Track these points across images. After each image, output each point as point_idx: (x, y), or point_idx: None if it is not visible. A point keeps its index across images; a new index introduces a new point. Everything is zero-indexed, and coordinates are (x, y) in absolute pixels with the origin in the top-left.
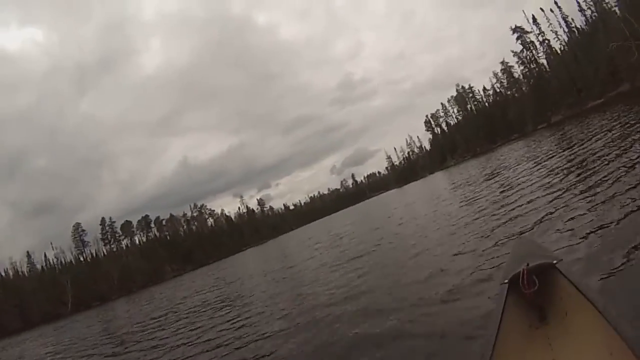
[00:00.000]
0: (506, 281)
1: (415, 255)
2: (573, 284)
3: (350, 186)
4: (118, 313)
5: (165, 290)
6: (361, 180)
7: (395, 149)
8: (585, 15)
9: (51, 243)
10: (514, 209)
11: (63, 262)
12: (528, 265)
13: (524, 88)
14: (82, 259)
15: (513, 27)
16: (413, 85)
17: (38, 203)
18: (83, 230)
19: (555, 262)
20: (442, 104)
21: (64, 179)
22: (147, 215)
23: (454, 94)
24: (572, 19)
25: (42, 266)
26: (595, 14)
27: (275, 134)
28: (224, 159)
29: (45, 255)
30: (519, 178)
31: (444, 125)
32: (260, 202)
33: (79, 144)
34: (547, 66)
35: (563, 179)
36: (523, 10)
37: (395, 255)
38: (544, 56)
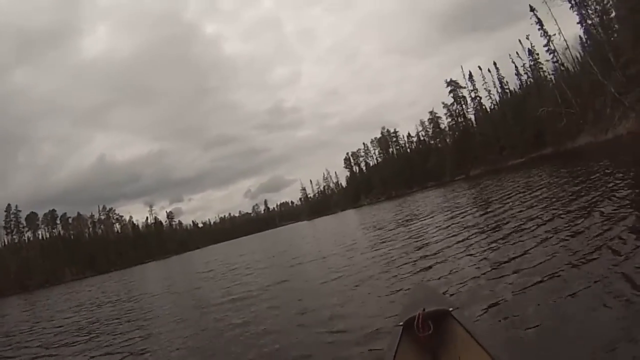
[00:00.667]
0: (401, 323)
1: (312, 292)
2: (467, 330)
3: (262, 212)
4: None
5: (61, 294)
6: (273, 208)
7: (311, 181)
8: (520, 80)
9: None
10: (419, 255)
11: None
12: (424, 310)
13: (447, 139)
14: None
15: (448, 80)
16: (340, 122)
17: None
18: None
19: (450, 309)
20: (364, 143)
21: None
22: (54, 210)
23: (379, 135)
24: (507, 82)
25: None
26: (531, 79)
27: (196, 148)
28: (142, 164)
29: None
30: (427, 225)
31: (363, 164)
32: (170, 215)
33: (2, 116)
34: (474, 121)
35: (470, 229)
36: (461, 66)
37: (288, 295)
38: (473, 112)
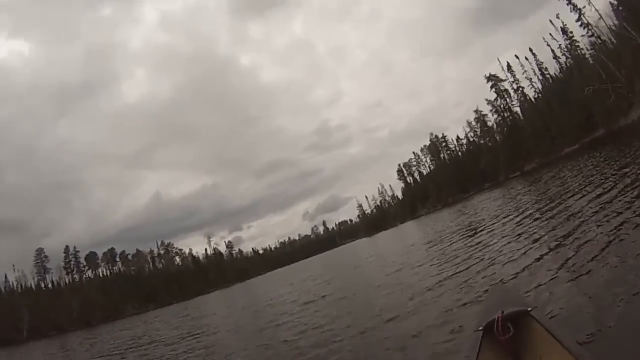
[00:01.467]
0: (481, 328)
1: (391, 307)
2: (547, 330)
3: (321, 232)
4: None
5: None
6: (332, 227)
7: (366, 197)
8: (559, 62)
9: (13, 265)
10: (488, 261)
11: (23, 286)
12: (503, 312)
13: (497, 137)
14: (43, 285)
15: (487, 75)
16: (389, 134)
17: (3, 221)
18: (46, 256)
19: (529, 309)
20: (414, 152)
21: (33, 201)
22: (112, 248)
23: (428, 142)
24: (546, 67)
25: (1, 288)
26: (570, 60)
27: (249, 176)
28: (197, 198)
29: (5, 277)
30: (490, 228)
31: (416, 174)
32: (229, 245)
33: (52, 167)
34: (520, 114)
35: (537, 230)
36: (498, 58)
37: (366, 307)
38: (518, 104)
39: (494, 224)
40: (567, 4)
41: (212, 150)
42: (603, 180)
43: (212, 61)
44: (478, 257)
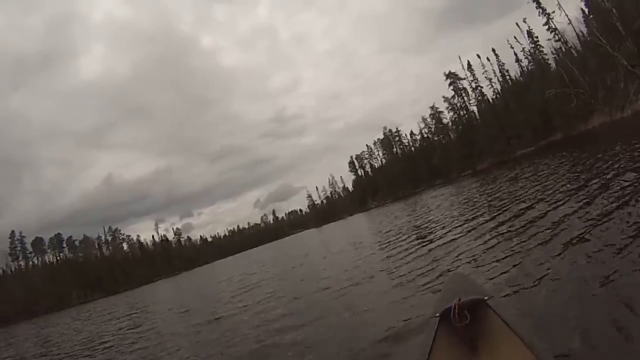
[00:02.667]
0: (438, 314)
1: (342, 294)
2: (502, 319)
3: (271, 222)
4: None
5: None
6: (282, 217)
7: (317, 187)
8: (521, 65)
9: None
10: (438, 251)
11: None
12: (460, 300)
13: (451, 134)
14: None
15: (447, 72)
16: (344, 126)
17: None
18: None
19: (486, 298)
20: (367, 145)
21: None
22: (59, 234)
23: (382, 136)
24: (508, 70)
25: None
26: (532, 63)
27: (202, 161)
28: (150, 181)
29: None
30: (439, 221)
31: (367, 167)
32: (177, 232)
33: (2, 142)
34: (477, 113)
35: (485, 222)
36: (459, 57)
37: (318, 295)
38: (475, 103)
39: (439, 218)
40: (537, 7)
41: (167, 132)
42: (553, 182)
43: (173, 40)
44: (421, 252)
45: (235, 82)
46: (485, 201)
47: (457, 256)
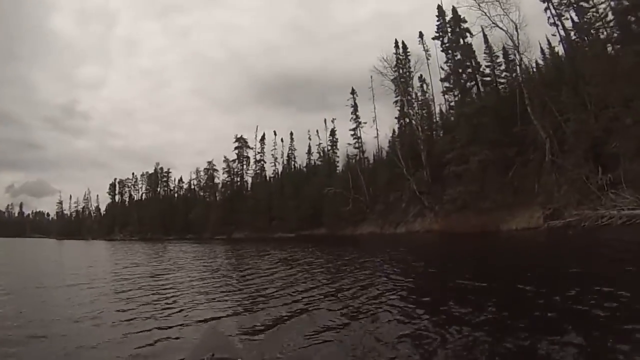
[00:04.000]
0: None
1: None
2: None
3: (15, 215)
4: None
5: None
6: (28, 214)
7: (70, 197)
8: (310, 158)
9: None
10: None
11: None
12: (213, 355)
13: (218, 195)
14: None
15: (238, 136)
16: (124, 147)
17: None
18: None
19: (238, 359)
20: (134, 174)
21: None
22: None
23: (152, 171)
24: (295, 157)
25: None
26: (321, 159)
27: None
28: None
29: None
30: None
31: (127, 196)
32: None
33: None
34: (250, 185)
35: (219, 286)
36: (257, 126)
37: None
38: (253, 174)
39: (176, 270)
40: (352, 112)
41: None
42: (290, 266)
43: None
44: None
45: (50, 51)
46: (230, 269)
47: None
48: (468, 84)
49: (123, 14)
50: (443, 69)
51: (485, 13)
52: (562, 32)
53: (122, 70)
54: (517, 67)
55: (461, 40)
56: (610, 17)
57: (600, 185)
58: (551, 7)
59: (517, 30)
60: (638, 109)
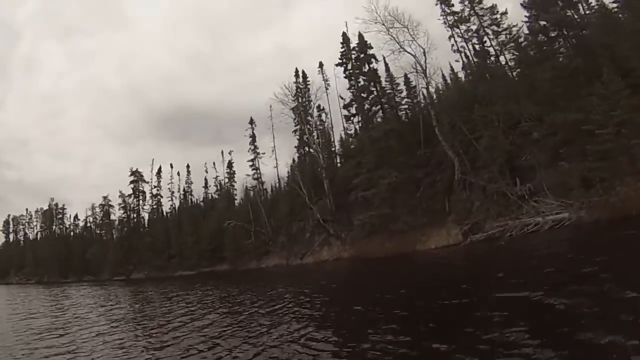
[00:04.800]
0: None
1: None
2: None
3: None
4: None
5: None
6: None
7: None
8: (206, 191)
9: None
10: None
11: None
12: None
13: (115, 233)
14: None
15: (134, 169)
16: (18, 179)
17: None
18: None
19: None
20: (27, 210)
21: None
22: None
23: (46, 207)
24: (192, 191)
25: None
26: (219, 192)
27: None
28: None
29: None
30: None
31: (21, 234)
32: None
33: None
34: (147, 221)
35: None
36: (153, 159)
37: None
38: (149, 210)
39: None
40: (251, 143)
41: None
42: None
43: None
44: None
45: None
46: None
47: None
48: (373, 108)
49: (28, 30)
50: (342, 98)
51: (393, 37)
52: (464, 59)
53: (22, 93)
54: (424, 90)
55: (366, 66)
56: (522, 39)
57: (520, 195)
58: (455, 35)
59: (425, 55)
60: (548, 124)
